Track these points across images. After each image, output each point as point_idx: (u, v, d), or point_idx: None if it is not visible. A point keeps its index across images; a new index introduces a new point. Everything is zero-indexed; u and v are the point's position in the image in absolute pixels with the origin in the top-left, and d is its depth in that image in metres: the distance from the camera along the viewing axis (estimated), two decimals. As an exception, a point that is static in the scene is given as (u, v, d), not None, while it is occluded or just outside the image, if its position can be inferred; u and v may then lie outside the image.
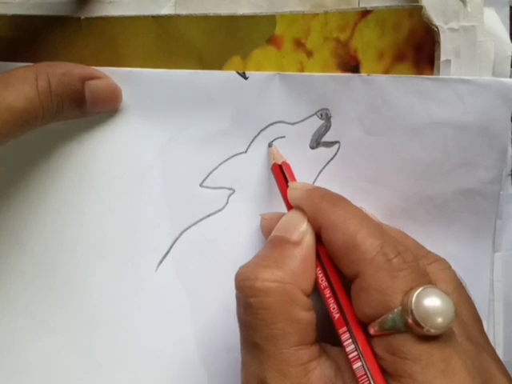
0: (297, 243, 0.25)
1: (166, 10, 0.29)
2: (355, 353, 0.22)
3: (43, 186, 0.30)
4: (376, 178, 0.30)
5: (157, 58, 0.29)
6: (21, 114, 0.26)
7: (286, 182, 0.28)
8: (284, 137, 0.30)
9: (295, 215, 0.26)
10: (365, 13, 0.29)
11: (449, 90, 0.28)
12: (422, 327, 0.20)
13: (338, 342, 0.24)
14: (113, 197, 0.30)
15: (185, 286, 0.30)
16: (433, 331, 0.21)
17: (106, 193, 0.30)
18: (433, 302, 0.21)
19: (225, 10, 0.29)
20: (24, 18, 0.29)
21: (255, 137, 0.30)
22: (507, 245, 0.31)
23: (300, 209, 0.26)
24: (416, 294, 0.21)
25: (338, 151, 0.30)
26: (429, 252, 0.27)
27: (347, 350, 0.23)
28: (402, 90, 0.29)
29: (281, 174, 0.28)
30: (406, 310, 0.21)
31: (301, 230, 0.25)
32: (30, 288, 0.30)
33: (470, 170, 0.29)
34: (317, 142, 0.30)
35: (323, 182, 0.30)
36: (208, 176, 0.30)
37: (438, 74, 0.29)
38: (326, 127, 0.30)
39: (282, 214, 0.27)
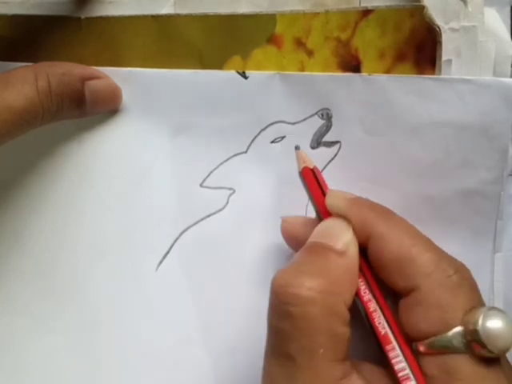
0: (342, 253, 0.23)
1: (166, 9, 0.29)
2: (406, 371, 0.22)
3: (43, 185, 0.30)
4: (377, 178, 0.30)
5: (157, 58, 0.29)
6: (20, 114, 0.26)
7: (320, 187, 0.27)
8: (284, 137, 0.30)
9: (339, 223, 0.24)
10: (366, 12, 0.29)
11: (450, 90, 0.28)
12: (485, 349, 0.20)
13: (365, 358, 0.23)
14: (113, 197, 0.30)
15: (185, 285, 0.30)
16: (495, 353, 0.20)
17: (106, 193, 0.30)
18: (496, 324, 0.20)
19: (225, 9, 0.29)
20: (24, 17, 0.30)
21: (255, 137, 0.30)
22: (508, 245, 0.30)
23: (342, 217, 0.25)
24: (482, 314, 0.20)
25: (338, 151, 0.30)
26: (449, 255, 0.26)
27: (396, 367, 0.22)
28: (402, 90, 0.28)
29: (314, 179, 0.27)
30: (469, 330, 0.20)
31: (346, 238, 0.24)
32: (30, 288, 0.30)
33: (470, 171, 0.29)
34: (317, 142, 0.30)
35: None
36: (208, 176, 0.30)
37: (439, 73, 0.28)
38: (327, 127, 0.30)
39: (307, 219, 0.27)
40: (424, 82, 0.28)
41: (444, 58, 0.28)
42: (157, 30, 0.29)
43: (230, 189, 0.30)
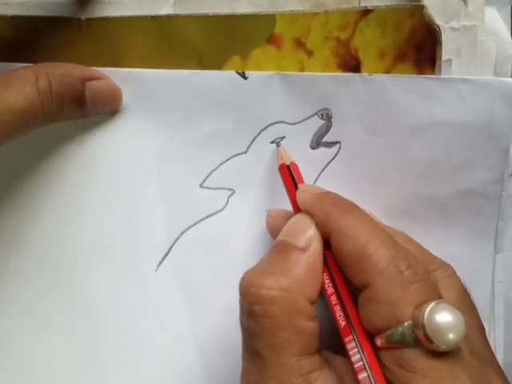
0: (303, 249, 0.24)
1: (166, 9, 0.29)
2: (361, 362, 0.22)
3: (43, 186, 0.30)
4: (377, 179, 0.30)
5: (156, 59, 0.29)
6: (21, 115, 0.26)
7: (295, 183, 0.27)
8: (284, 137, 0.30)
9: (302, 219, 0.25)
10: (366, 12, 0.29)
11: (450, 90, 0.28)
12: (432, 343, 0.20)
13: (340, 351, 0.23)
14: (113, 197, 0.30)
15: (184, 286, 0.30)
16: (443, 347, 0.20)
17: (106, 193, 0.30)
18: (445, 318, 0.20)
19: (224, 9, 0.29)
20: (24, 18, 0.30)
21: (255, 137, 0.30)
22: (509, 246, 0.30)
23: (308, 213, 0.25)
24: (428, 308, 0.20)
25: (338, 151, 0.30)
26: (434, 257, 0.27)
27: (353, 359, 0.22)
28: (403, 90, 0.28)
29: (289, 174, 0.28)
30: (417, 324, 0.20)
31: (308, 235, 0.24)
32: (31, 288, 0.30)
33: (471, 171, 0.29)
34: (317, 143, 0.30)
35: (324, 183, 0.30)
36: (208, 176, 0.30)
37: (440, 73, 0.28)
38: (327, 127, 0.30)
39: (289, 212, 0.27)
40: (424, 81, 0.28)
41: (444, 57, 0.28)
42: (156, 31, 0.29)
43: (229, 189, 0.30)
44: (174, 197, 0.30)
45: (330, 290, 0.24)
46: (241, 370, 0.24)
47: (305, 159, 0.30)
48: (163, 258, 0.30)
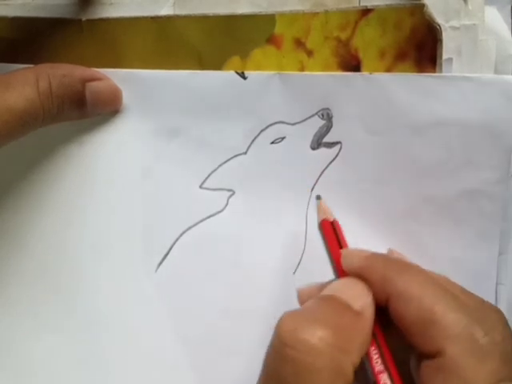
0: (358, 313, 0.22)
1: (165, 10, 0.29)
2: None
3: (44, 187, 0.30)
4: (379, 179, 0.30)
5: (156, 59, 0.29)
6: (21, 116, 0.26)
7: (339, 242, 0.27)
8: (284, 137, 0.30)
9: (359, 284, 0.24)
10: (366, 11, 0.29)
11: (451, 88, 0.28)
12: None
13: None
14: (113, 197, 0.30)
15: (184, 287, 0.30)
16: None
17: (106, 193, 0.30)
18: None
19: (224, 9, 0.29)
20: (25, 19, 0.30)
21: (255, 137, 0.30)
22: (512, 247, 0.30)
23: (359, 277, 0.24)
24: None
25: (339, 152, 0.30)
26: (483, 301, 0.24)
27: None
28: (404, 89, 0.28)
29: (333, 233, 0.27)
30: None
31: (365, 300, 0.23)
32: (32, 289, 0.30)
33: (474, 170, 0.29)
34: (318, 143, 0.30)
35: (325, 184, 0.30)
36: (208, 177, 0.30)
37: (440, 72, 0.28)
38: (328, 127, 0.29)
39: (321, 284, 0.26)
40: (425, 80, 0.28)
41: (445, 56, 0.28)
42: (156, 31, 0.29)
43: (229, 190, 0.30)
44: (173, 197, 0.30)
45: (378, 367, 0.23)
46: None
47: (305, 160, 0.30)
48: (163, 259, 0.30)
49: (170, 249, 0.30)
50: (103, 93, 0.29)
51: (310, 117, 0.29)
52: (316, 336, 0.20)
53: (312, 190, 0.30)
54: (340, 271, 0.26)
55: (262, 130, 0.30)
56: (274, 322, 0.22)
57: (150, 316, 0.30)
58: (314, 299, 0.23)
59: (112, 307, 0.30)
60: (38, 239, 0.30)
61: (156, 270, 0.30)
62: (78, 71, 0.28)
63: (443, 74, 0.28)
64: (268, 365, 0.22)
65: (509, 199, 0.30)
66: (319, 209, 0.29)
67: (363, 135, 0.29)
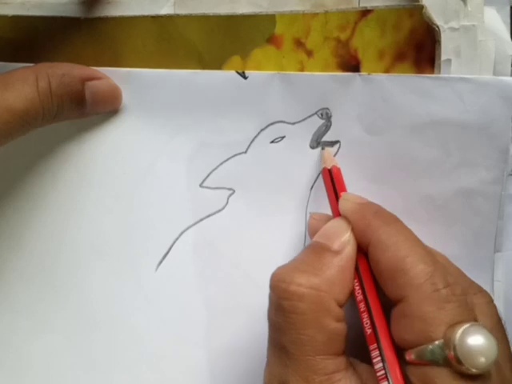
0: (337, 252, 0.24)
1: (166, 9, 0.29)
2: (383, 371, 0.22)
3: (43, 186, 0.30)
4: (376, 178, 0.30)
5: (156, 58, 0.29)
6: (21, 115, 0.26)
7: (334, 188, 0.27)
8: (284, 137, 0.30)
9: (339, 223, 0.25)
10: (365, 12, 0.29)
11: (449, 89, 0.28)
12: (462, 364, 0.20)
13: (367, 360, 0.23)
14: (113, 197, 0.30)
15: (184, 286, 0.30)
16: (473, 371, 0.20)
17: (105, 193, 0.30)
18: (477, 341, 0.20)
19: (224, 9, 0.29)
20: (24, 18, 0.30)
21: (255, 137, 0.30)
22: (508, 245, 0.30)
23: (346, 218, 0.25)
24: (461, 330, 0.20)
25: (338, 151, 0.30)
26: (472, 282, 0.26)
27: (376, 367, 0.22)
28: (402, 89, 0.28)
29: (329, 179, 0.28)
30: (449, 344, 0.20)
31: (343, 239, 0.25)
32: (31, 288, 0.30)
33: (470, 170, 0.29)
34: (317, 142, 0.30)
35: (323, 183, 0.30)
36: (208, 176, 0.30)
37: (439, 73, 0.28)
38: (327, 127, 0.30)
39: (330, 217, 0.27)
40: (423, 81, 0.28)
41: (443, 57, 0.28)
42: (156, 31, 0.29)
43: (229, 189, 0.30)
44: (173, 196, 0.30)
45: (359, 296, 0.24)
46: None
47: (304, 159, 0.30)
48: (163, 258, 0.30)
49: (170, 248, 0.30)
50: (103, 92, 0.29)
51: (309, 116, 0.30)
52: (294, 283, 0.23)
53: (311, 188, 0.30)
54: (335, 214, 0.27)
55: (261, 130, 0.30)
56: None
57: (150, 315, 0.30)
58: (303, 249, 0.26)
59: (111, 307, 0.30)
60: (36, 238, 0.30)
61: (156, 270, 0.30)
62: (78, 70, 0.28)
63: (441, 74, 0.28)
64: (268, 316, 0.24)
65: (504, 198, 0.30)
66: (322, 158, 0.29)
67: (362, 134, 0.29)
